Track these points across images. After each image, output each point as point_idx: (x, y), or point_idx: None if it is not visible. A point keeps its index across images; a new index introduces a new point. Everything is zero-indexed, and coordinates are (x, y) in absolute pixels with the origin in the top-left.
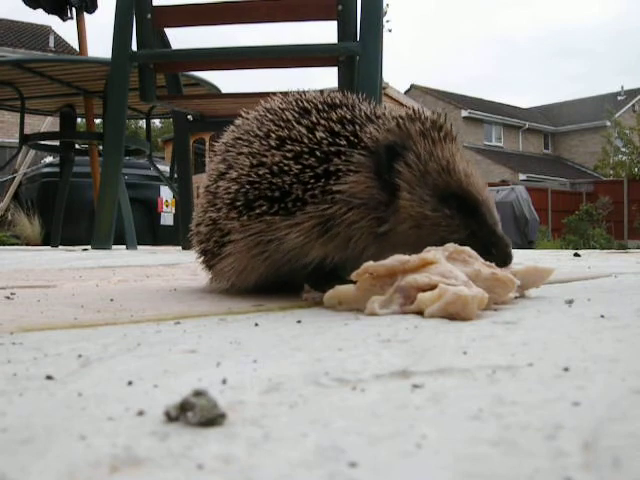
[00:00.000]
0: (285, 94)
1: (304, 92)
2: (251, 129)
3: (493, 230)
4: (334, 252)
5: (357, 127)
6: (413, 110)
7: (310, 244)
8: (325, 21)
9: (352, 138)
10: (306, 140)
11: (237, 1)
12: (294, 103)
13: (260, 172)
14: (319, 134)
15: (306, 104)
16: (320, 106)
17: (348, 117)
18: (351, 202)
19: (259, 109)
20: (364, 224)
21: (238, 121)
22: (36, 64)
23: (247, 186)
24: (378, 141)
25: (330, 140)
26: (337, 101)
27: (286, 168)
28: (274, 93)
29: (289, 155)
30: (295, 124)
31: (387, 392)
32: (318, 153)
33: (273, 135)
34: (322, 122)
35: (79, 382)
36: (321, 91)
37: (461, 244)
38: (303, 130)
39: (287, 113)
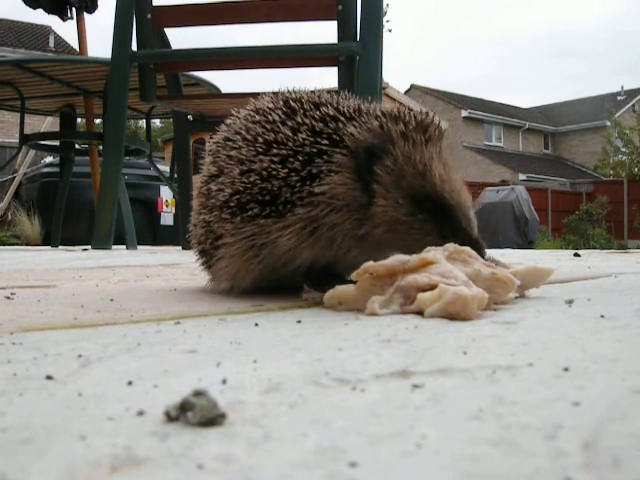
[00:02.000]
0: (275, 93)
1: (294, 91)
2: (240, 131)
3: (468, 234)
4: (322, 253)
5: (340, 124)
6: (399, 109)
7: (301, 246)
8: (325, 21)
9: (334, 136)
10: (290, 143)
11: (237, 1)
12: (282, 103)
13: (251, 179)
14: (302, 135)
15: (293, 104)
16: (306, 105)
17: (331, 114)
18: (333, 204)
19: (249, 108)
20: (347, 226)
21: (229, 120)
22: (36, 64)
23: (240, 188)
24: (358, 141)
25: (312, 140)
26: (323, 100)
27: (274, 172)
28: (274, 93)
29: (276, 159)
30: (281, 126)
31: (387, 392)
32: (300, 157)
33: (260, 139)
34: (306, 121)
35: (79, 382)
36: (312, 91)
37: (437, 246)
38: (288, 132)
39: (274, 114)
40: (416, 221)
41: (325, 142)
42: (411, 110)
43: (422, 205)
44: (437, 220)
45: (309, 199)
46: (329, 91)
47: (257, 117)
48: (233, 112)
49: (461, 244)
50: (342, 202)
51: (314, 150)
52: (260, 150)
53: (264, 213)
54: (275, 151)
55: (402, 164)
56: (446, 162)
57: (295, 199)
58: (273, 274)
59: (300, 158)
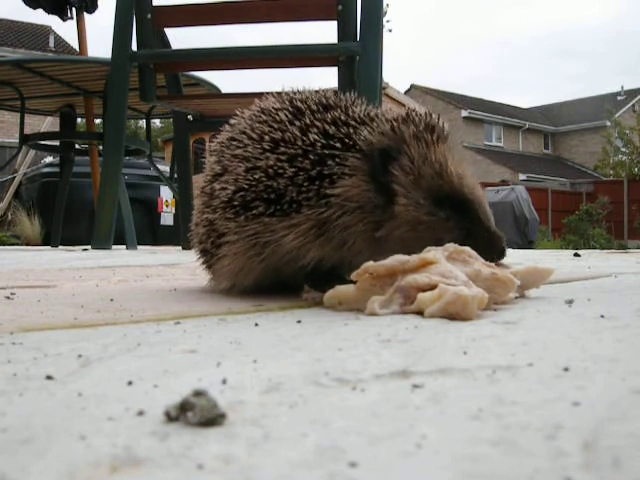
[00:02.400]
0: (279, 93)
1: (299, 91)
2: (245, 130)
3: (487, 227)
4: (331, 254)
5: (351, 129)
6: (407, 112)
7: (307, 246)
8: (325, 21)
9: (346, 140)
10: (299, 142)
11: (237, 1)
12: (288, 103)
13: (256, 176)
14: (312, 136)
15: (300, 104)
16: (314, 107)
17: (342, 119)
18: (346, 206)
19: (254, 108)
20: (360, 228)
21: (233, 120)
22: (36, 64)
23: (245, 186)
24: (372, 144)
25: (324, 142)
26: (331, 102)
27: (280, 171)
28: (274, 93)
29: (283, 158)
30: (288, 125)
31: (387, 392)
32: (311, 156)
33: (267, 137)
34: (316, 123)
35: (79, 382)
36: (316, 90)
37: (457, 244)
38: (297, 132)
39: (281, 114)
40: (438, 220)
41: (338, 145)
42: (416, 112)
43: (442, 204)
44: (458, 217)
45: (317, 200)
46: (335, 90)
47: (263, 117)
48: (237, 112)
49: (483, 238)
50: (356, 204)
51: (326, 152)
52: (267, 148)
53: (269, 212)
54: (283, 149)
55: (419, 164)
56: (458, 160)
57: (301, 199)
58: (275, 273)
59: (311, 157)
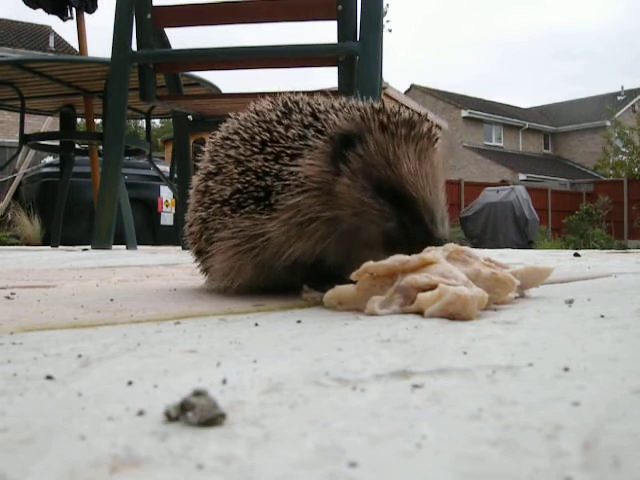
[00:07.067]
0: (276, 94)
1: (295, 93)
2: (238, 131)
3: (427, 228)
4: (310, 244)
5: (329, 116)
6: (383, 104)
7: (291, 237)
8: (325, 21)
9: (319, 127)
10: (282, 140)
11: (237, 1)
12: (281, 104)
13: (247, 178)
14: (292, 131)
15: (291, 105)
16: (302, 105)
17: (322, 109)
18: (306, 185)
19: (248, 110)
20: (318, 209)
21: (228, 120)
22: (36, 64)
23: (239, 187)
24: (337, 128)
25: (301, 134)
26: (319, 99)
27: (267, 170)
28: (274, 93)
29: (269, 157)
30: (276, 125)
31: (387, 392)
32: (290, 151)
33: (257, 138)
34: (298, 117)
35: (79, 382)
36: (311, 92)
37: (395, 235)
38: (282, 130)
39: (272, 114)
40: (377, 204)
41: (312, 133)
42: (407, 108)
43: (385, 194)
44: (398, 209)
45: (291, 183)
46: (329, 91)
47: (256, 117)
48: (232, 115)
49: (419, 237)
50: (314, 184)
51: (301, 143)
52: (256, 150)
53: (259, 209)
54: (269, 149)
55: (374, 153)
56: (427, 160)
57: (286, 192)
58: (270, 271)
59: (289, 152)
